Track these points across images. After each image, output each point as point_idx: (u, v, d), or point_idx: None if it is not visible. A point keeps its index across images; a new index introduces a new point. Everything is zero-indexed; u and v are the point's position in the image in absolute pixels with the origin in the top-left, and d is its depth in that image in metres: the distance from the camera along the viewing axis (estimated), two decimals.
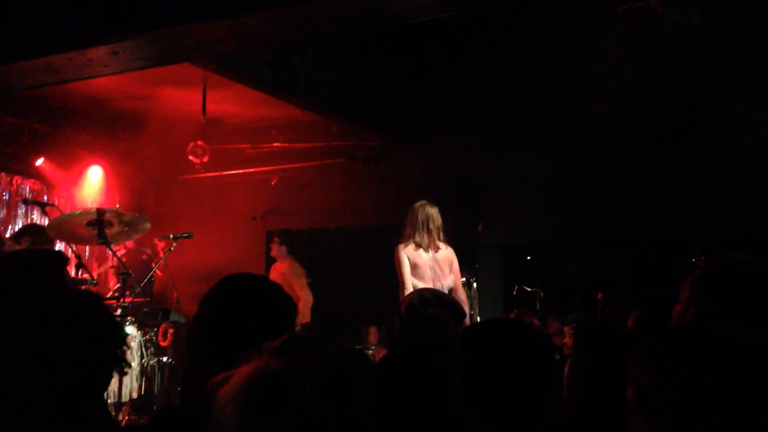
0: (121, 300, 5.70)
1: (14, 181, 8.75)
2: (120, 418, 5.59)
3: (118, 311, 5.58)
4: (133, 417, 5.71)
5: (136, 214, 5.96)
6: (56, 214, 5.98)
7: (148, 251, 7.92)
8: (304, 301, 7.40)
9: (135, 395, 5.90)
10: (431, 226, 5.22)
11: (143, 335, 6.00)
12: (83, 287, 5.57)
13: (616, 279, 7.61)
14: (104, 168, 9.09)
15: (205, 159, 8.21)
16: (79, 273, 5.89)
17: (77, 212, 6.01)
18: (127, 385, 5.76)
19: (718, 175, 6.83)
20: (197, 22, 4.38)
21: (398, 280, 5.18)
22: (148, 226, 5.86)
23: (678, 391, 1.22)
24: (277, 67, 6.68)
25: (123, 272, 5.79)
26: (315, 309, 7.70)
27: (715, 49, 6.33)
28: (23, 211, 8.68)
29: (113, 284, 7.60)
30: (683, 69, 6.25)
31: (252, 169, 9.23)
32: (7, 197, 8.66)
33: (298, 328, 6.12)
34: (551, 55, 7.18)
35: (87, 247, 8.77)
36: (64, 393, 1.55)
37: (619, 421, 1.52)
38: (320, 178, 8.94)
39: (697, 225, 6.87)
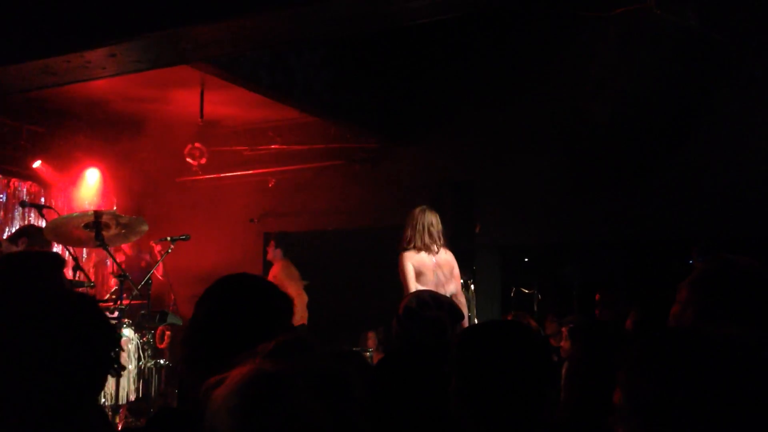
0: (119, 302, 5.69)
1: (11, 183, 8.73)
2: (117, 420, 5.58)
3: (116, 313, 5.57)
4: (130, 419, 5.71)
5: (134, 217, 5.95)
6: (53, 217, 5.97)
7: (147, 258, 7.90)
8: (298, 302, 7.38)
9: (132, 398, 5.89)
10: (432, 231, 5.21)
11: (140, 337, 5.99)
12: (80, 289, 5.57)
13: (614, 280, 7.60)
14: (101, 170, 9.08)
15: (203, 161, 8.20)
16: (76, 275, 5.88)
17: (75, 214, 6.00)
18: (124, 388, 5.75)
19: (715, 176, 6.84)
20: (195, 24, 4.39)
21: (402, 287, 5.13)
22: (145, 228, 5.85)
23: (676, 394, 1.22)
24: (274, 69, 6.68)
25: (120, 274, 5.78)
26: (312, 311, 7.70)
27: (712, 50, 6.33)
28: (20, 213, 8.66)
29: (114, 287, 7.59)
30: (680, 70, 6.25)
31: (250, 171, 9.23)
32: (5, 199, 8.65)
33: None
34: (548, 57, 7.18)
35: (84, 250, 8.76)
36: (58, 395, 1.54)
37: None
38: (318, 180, 8.94)
39: (694, 226, 6.88)
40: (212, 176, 9.09)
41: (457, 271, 5.30)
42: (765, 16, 6.44)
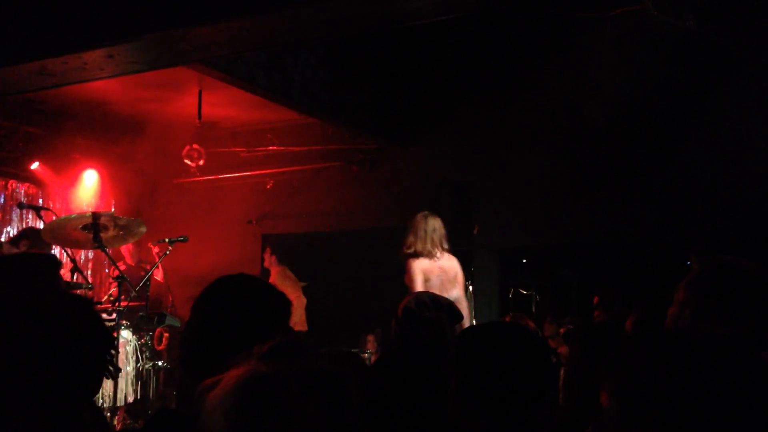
0: (117, 304, 5.68)
1: (9, 184, 8.72)
2: (115, 422, 5.57)
3: (114, 315, 5.56)
4: (128, 421, 5.70)
5: (132, 218, 5.95)
6: (51, 218, 5.96)
7: (148, 267, 7.89)
8: (296, 306, 7.36)
9: (130, 399, 5.88)
10: (435, 237, 5.25)
11: (138, 339, 5.98)
12: (78, 291, 5.56)
13: (612, 282, 7.60)
14: (99, 171, 9.07)
15: (201, 162, 8.19)
16: (74, 277, 5.87)
17: (73, 216, 5.99)
18: (122, 390, 5.75)
19: (714, 177, 6.84)
20: (193, 25, 4.37)
21: (409, 292, 5.12)
22: (143, 229, 5.84)
23: (668, 397, 1.22)
24: (271, 70, 6.67)
25: (118, 276, 5.77)
26: (312, 312, 7.69)
27: (710, 51, 6.34)
28: (18, 214, 8.65)
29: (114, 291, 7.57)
30: (678, 72, 6.25)
31: (248, 173, 9.22)
32: (2, 201, 8.64)
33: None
34: (546, 58, 7.18)
35: (82, 252, 8.75)
36: (54, 396, 1.53)
37: None
38: (316, 182, 8.93)
39: (693, 227, 6.88)
40: (210, 178, 9.08)
41: (461, 276, 5.33)
42: (763, 17, 6.45)
